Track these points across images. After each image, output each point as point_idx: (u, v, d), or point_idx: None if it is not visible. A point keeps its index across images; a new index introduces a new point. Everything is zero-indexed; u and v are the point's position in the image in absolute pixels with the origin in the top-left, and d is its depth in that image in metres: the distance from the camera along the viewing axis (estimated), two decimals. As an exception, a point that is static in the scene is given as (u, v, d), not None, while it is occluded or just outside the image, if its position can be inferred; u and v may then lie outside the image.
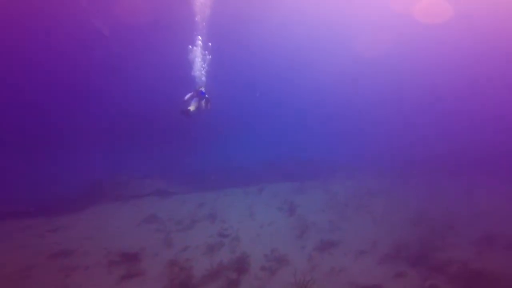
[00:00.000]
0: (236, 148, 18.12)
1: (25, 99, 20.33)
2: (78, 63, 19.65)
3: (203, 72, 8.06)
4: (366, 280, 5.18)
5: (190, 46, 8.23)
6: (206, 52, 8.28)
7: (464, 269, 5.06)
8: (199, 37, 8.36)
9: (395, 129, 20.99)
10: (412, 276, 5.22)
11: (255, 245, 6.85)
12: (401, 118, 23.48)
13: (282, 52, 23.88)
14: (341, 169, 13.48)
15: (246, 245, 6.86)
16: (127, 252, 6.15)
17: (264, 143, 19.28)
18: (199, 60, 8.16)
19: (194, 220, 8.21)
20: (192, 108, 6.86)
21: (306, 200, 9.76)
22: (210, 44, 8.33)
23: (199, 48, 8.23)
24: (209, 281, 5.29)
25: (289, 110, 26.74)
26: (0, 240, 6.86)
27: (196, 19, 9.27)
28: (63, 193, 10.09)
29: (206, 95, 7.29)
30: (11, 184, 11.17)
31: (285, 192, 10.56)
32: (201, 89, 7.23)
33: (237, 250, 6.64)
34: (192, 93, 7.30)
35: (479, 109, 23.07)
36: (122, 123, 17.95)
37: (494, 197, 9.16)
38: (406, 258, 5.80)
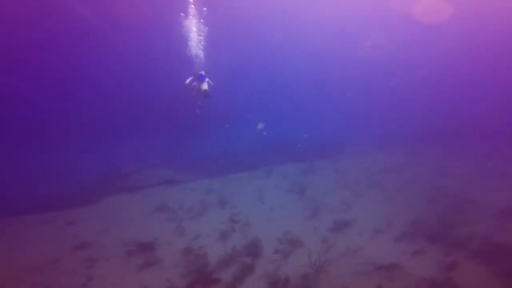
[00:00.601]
0: (240, 131, 17.73)
1: (30, 92, 19.82)
2: (75, 53, 18.62)
3: (200, 47, 7.30)
4: (383, 259, 5.10)
5: (183, 14, 7.31)
6: (202, 21, 7.34)
7: (487, 244, 4.86)
8: (191, 0, 7.33)
9: (402, 102, 19.91)
10: (432, 253, 5.09)
11: (267, 229, 6.83)
12: (407, 91, 22.13)
13: (287, 31, 21.80)
14: (349, 146, 13.08)
15: (258, 229, 6.84)
16: (142, 242, 6.24)
17: (268, 124, 18.75)
18: (194, 33, 7.31)
19: (204, 207, 8.22)
20: (205, 87, 6.63)
21: (315, 180, 9.58)
22: (205, 9, 7.34)
23: (193, 18, 7.30)
24: (224, 267, 5.33)
25: (294, 91, 25.55)
26: (25, 234, 7.10)
27: None
28: (75, 186, 10.25)
29: (207, 79, 6.96)
30: (20, 180, 11.37)
31: (293, 173, 10.39)
32: (201, 72, 6.85)
33: (249, 235, 6.63)
34: (192, 77, 6.96)
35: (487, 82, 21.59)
36: (123, 115, 17.59)
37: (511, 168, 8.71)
38: (424, 235, 5.64)
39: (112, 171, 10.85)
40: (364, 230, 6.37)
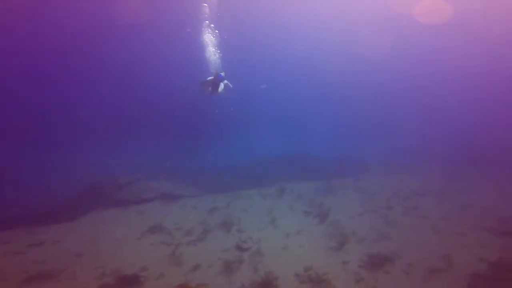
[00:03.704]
0: (250, 142, 16.55)
1: (16, 94, 18.83)
2: (74, 57, 18.28)
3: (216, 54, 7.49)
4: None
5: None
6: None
7: None
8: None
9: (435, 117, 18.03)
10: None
11: (282, 261, 5.41)
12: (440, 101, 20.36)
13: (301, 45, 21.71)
14: (372, 164, 11.71)
15: (271, 261, 5.43)
16: (124, 274, 4.85)
17: (281, 138, 17.56)
18: (211, 48, 7.62)
19: (206, 229, 6.84)
20: (220, 89, 6.77)
21: (337, 202, 8.19)
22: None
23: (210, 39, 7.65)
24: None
25: (308, 104, 24.81)
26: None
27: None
28: (54, 198, 8.87)
29: (226, 81, 6.99)
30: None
31: (310, 192, 9.03)
32: (220, 73, 6.92)
33: (260, 268, 5.23)
34: (212, 77, 6.96)
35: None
36: (123, 119, 16.62)
37: None
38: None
39: (103, 180, 9.57)
40: (413, 268, 4.89)
